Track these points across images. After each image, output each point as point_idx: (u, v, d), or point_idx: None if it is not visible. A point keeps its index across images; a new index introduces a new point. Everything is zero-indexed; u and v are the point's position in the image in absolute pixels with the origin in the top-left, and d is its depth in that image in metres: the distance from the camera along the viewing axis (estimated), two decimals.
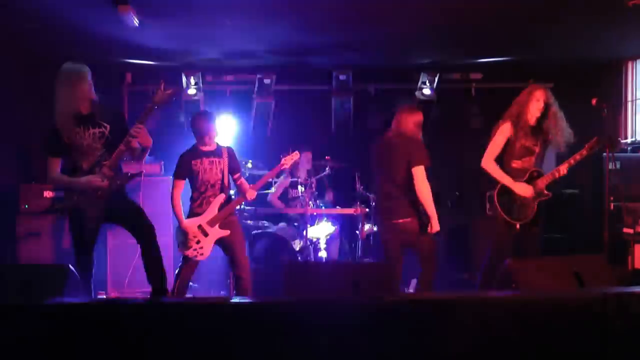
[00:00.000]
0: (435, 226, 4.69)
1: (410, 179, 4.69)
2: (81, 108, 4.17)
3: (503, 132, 4.75)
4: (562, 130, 4.69)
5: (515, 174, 4.73)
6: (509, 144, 4.75)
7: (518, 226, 4.67)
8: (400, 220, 4.73)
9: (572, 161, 4.64)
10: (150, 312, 2.74)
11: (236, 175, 5.06)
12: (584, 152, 4.62)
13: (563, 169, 4.66)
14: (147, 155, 4.45)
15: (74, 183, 4.17)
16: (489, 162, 4.76)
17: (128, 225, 4.45)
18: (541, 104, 4.68)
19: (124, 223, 4.47)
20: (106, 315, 2.71)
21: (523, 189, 4.69)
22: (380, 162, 4.95)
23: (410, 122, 4.83)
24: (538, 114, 4.69)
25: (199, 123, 4.93)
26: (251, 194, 5.03)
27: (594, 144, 4.61)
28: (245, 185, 5.07)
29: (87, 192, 4.15)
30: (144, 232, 4.38)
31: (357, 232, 6.57)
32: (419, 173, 4.68)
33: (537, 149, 4.75)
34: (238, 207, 5.65)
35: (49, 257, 5.84)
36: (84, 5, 5.01)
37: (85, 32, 5.68)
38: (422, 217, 4.74)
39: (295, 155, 5.23)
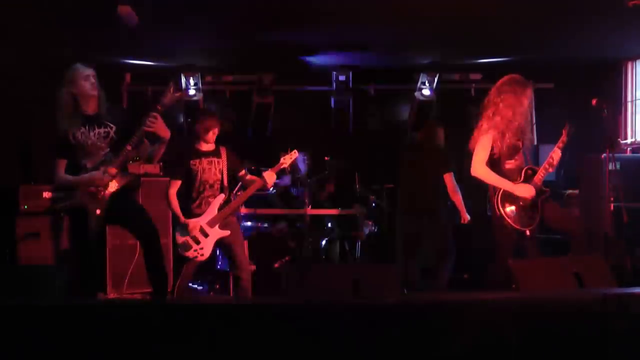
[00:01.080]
0: (465, 217, 5.68)
1: (437, 180, 5.66)
2: (87, 108, 4.17)
3: (487, 133, 4.47)
4: (529, 123, 4.61)
5: (510, 175, 4.50)
6: (496, 145, 4.48)
7: (528, 232, 4.45)
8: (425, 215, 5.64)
9: (557, 149, 4.52)
10: (150, 313, 2.74)
11: (241, 173, 5.05)
12: (564, 138, 4.52)
13: (555, 155, 4.50)
14: (162, 150, 4.35)
15: (77, 181, 4.16)
16: (480, 169, 4.48)
17: (131, 226, 4.44)
18: (527, 103, 4.52)
19: (127, 224, 4.46)
20: (106, 317, 2.70)
21: (524, 190, 4.44)
22: (410, 164, 5.86)
23: (440, 133, 5.85)
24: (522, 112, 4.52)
25: (201, 122, 4.92)
26: (270, 177, 4.93)
27: (568, 128, 4.53)
28: (253, 177, 5.05)
29: (90, 192, 4.14)
30: (147, 233, 4.37)
31: (357, 232, 6.58)
32: (451, 178, 5.67)
33: (520, 144, 4.55)
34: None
35: (48, 257, 5.83)
36: (84, 5, 5.01)
37: (85, 32, 5.69)
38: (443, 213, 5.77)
39: (294, 154, 5.22)
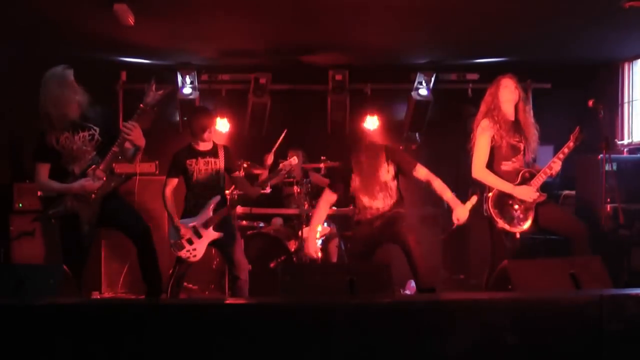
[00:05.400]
0: None
1: None
2: (69, 112, 4.11)
3: (485, 131, 4.49)
4: (532, 124, 4.56)
5: (506, 177, 4.48)
6: (494, 145, 4.50)
7: (518, 235, 4.44)
8: None
9: (561, 155, 4.48)
10: (145, 313, 2.72)
11: (234, 174, 5.04)
12: (571, 144, 4.49)
13: (555, 166, 4.47)
14: (140, 155, 4.34)
15: (67, 190, 4.11)
16: (481, 171, 4.49)
17: (124, 227, 4.42)
18: (510, 91, 4.51)
19: (120, 225, 4.43)
20: (100, 316, 2.69)
21: (525, 193, 4.44)
22: None
23: None
24: (512, 104, 4.51)
25: (197, 119, 4.88)
26: (255, 192, 5.04)
27: (578, 134, 4.49)
28: (247, 185, 5.05)
29: (81, 196, 4.11)
30: (140, 233, 4.35)
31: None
32: None
33: (522, 146, 4.53)
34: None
35: (42, 256, 5.81)
36: (80, 3, 4.99)
37: (81, 30, 5.66)
38: None
39: (294, 160, 5.23)
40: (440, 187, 4.64)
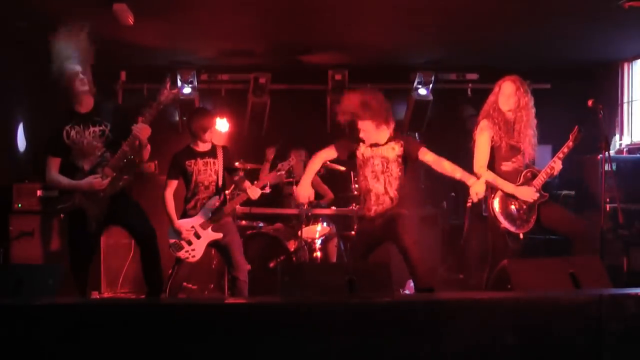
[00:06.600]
0: None
1: None
2: (79, 107, 4.12)
3: (483, 131, 4.52)
4: (530, 125, 4.54)
5: (507, 178, 4.51)
6: (494, 145, 4.52)
7: (522, 235, 4.46)
8: None
9: (560, 155, 4.49)
10: (145, 313, 2.72)
11: (234, 174, 5.02)
12: (570, 143, 4.50)
13: (556, 165, 4.49)
14: (148, 150, 4.33)
15: (75, 186, 4.12)
16: (481, 171, 4.50)
17: (129, 226, 4.43)
18: (507, 95, 4.51)
19: (126, 224, 4.44)
20: (100, 316, 2.68)
21: (526, 193, 4.46)
22: None
23: None
24: (511, 106, 4.51)
25: (197, 120, 4.86)
26: (254, 192, 4.90)
27: (577, 134, 4.49)
28: (247, 183, 5.02)
29: (89, 193, 4.11)
30: (145, 234, 4.36)
31: (353, 232, 6.55)
32: None
33: (521, 146, 4.53)
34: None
35: (41, 256, 5.80)
36: (79, 3, 4.99)
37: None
38: None
39: (292, 160, 5.22)
40: (450, 167, 4.45)
